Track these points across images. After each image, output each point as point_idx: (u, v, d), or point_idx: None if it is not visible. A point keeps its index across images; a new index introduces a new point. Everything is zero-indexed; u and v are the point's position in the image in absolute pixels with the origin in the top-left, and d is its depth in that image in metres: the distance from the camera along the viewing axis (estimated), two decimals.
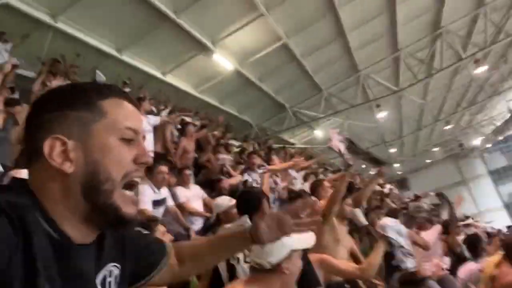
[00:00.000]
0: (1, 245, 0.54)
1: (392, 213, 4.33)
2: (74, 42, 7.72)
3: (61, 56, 7.49)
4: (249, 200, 2.22)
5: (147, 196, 3.47)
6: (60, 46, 7.41)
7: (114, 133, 0.71)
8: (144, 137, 0.78)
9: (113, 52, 8.56)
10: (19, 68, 5.71)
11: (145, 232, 0.99)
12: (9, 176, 2.84)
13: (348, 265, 2.48)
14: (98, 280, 0.72)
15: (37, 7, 6.91)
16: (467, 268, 3.31)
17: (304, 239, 1.56)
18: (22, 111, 4.22)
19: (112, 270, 0.77)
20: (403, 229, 3.17)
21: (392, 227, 2.47)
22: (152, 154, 5.02)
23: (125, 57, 8.79)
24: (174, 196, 4.23)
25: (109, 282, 0.75)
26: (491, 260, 2.79)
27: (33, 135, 0.69)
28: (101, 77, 7.47)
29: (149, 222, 2.38)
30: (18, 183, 0.68)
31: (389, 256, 3.02)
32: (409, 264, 3.05)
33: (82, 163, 0.67)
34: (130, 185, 0.73)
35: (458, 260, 4.05)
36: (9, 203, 0.58)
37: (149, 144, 5.17)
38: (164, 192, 3.82)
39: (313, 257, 2.19)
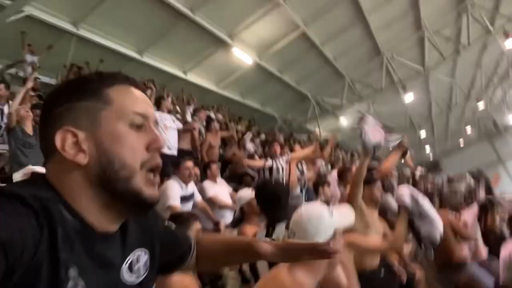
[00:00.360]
0: (28, 235, 0.55)
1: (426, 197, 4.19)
2: (96, 48, 7.93)
3: (86, 62, 7.74)
4: (268, 196, 2.18)
5: (175, 192, 3.51)
6: (83, 52, 7.64)
7: (122, 119, 0.70)
8: (156, 122, 0.76)
9: (134, 54, 8.73)
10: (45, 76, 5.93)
11: (173, 224, 0.98)
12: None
13: (375, 241, 2.43)
14: (126, 266, 0.73)
15: (58, 16, 7.12)
16: (509, 248, 3.13)
17: (345, 217, 1.52)
18: None
19: (139, 255, 0.77)
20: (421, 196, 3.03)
21: (407, 194, 2.34)
22: (175, 152, 5.10)
23: (146, 59, 8.95)
24: (202, 191, 4.26)
25: (138, 268, 0.75)
26: None
27: (45, 131, 0.70)
28: None
29: (188, 217, 2.40)
30: (38, 178, 0.69)
31: (411, 226, 2.88)
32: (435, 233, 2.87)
33: (95, 153, 0.67)
34: (154, 169, 0.72)
35: (497, 240, 3.88)
36: (32, 195, 0.59)
37: (173, 140, 5.24)
38: (191, 188, 3.85)
39: None
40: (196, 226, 2.38)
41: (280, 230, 1.91)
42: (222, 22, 8.82)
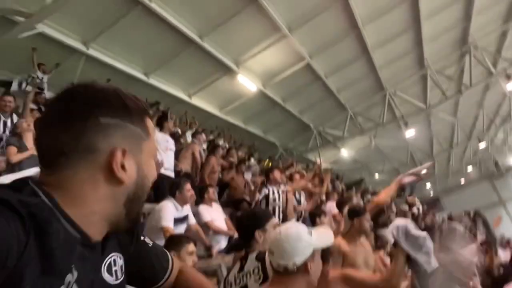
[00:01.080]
0: (13, 241, 0.55)
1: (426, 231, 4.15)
2: (104, 68, 8.09)
3: (93, 81, 7.86)
4: (241, 227, 2.13)
5: (170, 213, 3.48)
6: (91, 71, 7.78)
7: (153, 153, 0.79)
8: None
9: (141, 76, 8.88)
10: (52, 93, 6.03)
11: (150, 242, 1.00)
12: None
13: (371, 277, 2.37)
14: (104, 268, 0.74)
15: (70, 35, 7.31)
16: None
17: (324, 237, 1.51)
18: None
19: (115, 259, 0.78)
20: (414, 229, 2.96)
21: (394, 225, 2.24)
22: (172, 173, 5.09)
23: (152, 81, 9.09)
24: (197, 215, 4.22)
25: (115, 271, 0.77)
26: None
27: (84, 135, 0.67)
28: None
29: (181, 238, 2.40)
30: (25, 183, 0.67)
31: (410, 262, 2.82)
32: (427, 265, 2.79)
33: (134, 175, 0.72)
34: None
35: (495, 282, 3.80)
36: (20, 201, 0.59)
37: (171, 162, 5.24)
38: (186, 210, 3.82)
39: (334, 273, 2.11)
40: (189, 248, 2.36)
41: (251, 260, 1.87)
42: (229, 50, 9.02)
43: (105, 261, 0.75)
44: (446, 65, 12.59)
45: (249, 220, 2.02)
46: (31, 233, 0.57)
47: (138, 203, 0.74)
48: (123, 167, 0.69)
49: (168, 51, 8.46)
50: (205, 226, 4.25)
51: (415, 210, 8.46)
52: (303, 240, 1.42)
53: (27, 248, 0.56)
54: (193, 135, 6.90)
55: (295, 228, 1.48)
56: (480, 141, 19.24)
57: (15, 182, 0.68)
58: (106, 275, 0.74)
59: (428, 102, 12.90)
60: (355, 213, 2.87)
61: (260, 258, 1.81)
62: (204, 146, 7.03)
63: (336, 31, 9.35)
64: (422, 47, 11.18)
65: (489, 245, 4.23)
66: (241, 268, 1.86)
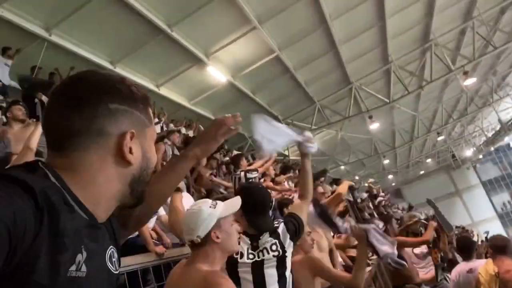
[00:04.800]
0: (29, 218, 0.57)
1: (384, 219, 4.38)
2: (68, 55, 7.77)
3: (55, 69, 7.55)
4: (255, 201, 2.09)
5: None
6: (54, 58, 7.46)
7: (154, 139, 0.86)
8: None
9: (107, 64, 8.60)
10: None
11: None
12: None
13: (339, 273, 2.46)
14: (107, 257, 0.76)
15: (31, 20, 6.96)
16: (457, 269, 3.37)
17: (229, 205, 1.62)
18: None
19: (113, 250, 0.80)
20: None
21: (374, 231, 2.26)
22: None
23: (119, 70, 8.82)
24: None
25: (114, 261, 0.79)
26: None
27: (96, 119, 0.72)
28: None
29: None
30: (36, 165, 0.70)
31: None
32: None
33: (140, 158, 0.79)
34: None
35: (451, 266, 4.09)
36: (36, 183, 0.62)
37: None
38: None
39: (297, 257, 2.21)
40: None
41: (265, 240, 1.90)
42: (199, 40, 8.92)
43: (107, 251, 0.77)
44: (409, 60, 13.09)
45: (263, 199, 2.07)
46: (44, 212, 0.60)
47: (142, 183, 0.80)
48: (130, 150, 0.75)
49: (135, 39, 8.25)
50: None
51: (380, 199, 8.83)
52: (204, 213, 1.54)
53: (42, 227, 0.59)
54: (167, 135, 6.73)
55: (197, 205, 1.60)
56: (438, 134, 20.18)
57: (27, 164, 0.71)
58: (108, 264, 0.76)
59: (391, 96, 13.38)
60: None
61: (276, 235, 1.91)
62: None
63: (305, 25, 9.49)
64: (386, 43, 11.55)
65: (441, 231, 4.51)
66: (253, 248, 1.89)
